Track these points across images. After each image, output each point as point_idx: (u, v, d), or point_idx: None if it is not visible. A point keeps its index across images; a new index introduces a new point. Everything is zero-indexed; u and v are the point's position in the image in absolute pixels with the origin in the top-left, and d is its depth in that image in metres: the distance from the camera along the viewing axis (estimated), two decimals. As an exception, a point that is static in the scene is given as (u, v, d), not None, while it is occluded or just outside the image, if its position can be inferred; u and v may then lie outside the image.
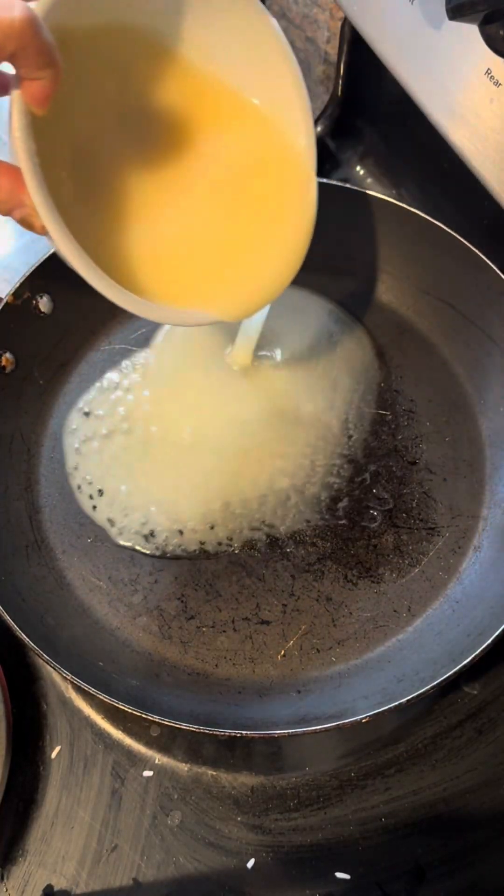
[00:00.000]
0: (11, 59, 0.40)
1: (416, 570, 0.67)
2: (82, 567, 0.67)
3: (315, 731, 0.55)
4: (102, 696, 0.55)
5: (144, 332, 0.76)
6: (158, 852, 0.62)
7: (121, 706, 0.55)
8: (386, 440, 0.72)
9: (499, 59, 0.58)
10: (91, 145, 0.53)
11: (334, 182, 0.74)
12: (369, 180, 0.87)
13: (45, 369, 0.73)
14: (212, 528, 0.68)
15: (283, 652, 0.64)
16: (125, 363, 0.75)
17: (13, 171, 0.44)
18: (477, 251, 0.70)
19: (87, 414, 0.72)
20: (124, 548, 0.67)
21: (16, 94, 0.42)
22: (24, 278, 0.68)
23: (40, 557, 0.67)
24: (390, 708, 0.55)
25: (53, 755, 0.65)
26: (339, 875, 0.62)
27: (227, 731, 0.56)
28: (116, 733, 0.66)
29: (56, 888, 0.61)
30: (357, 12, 0.70)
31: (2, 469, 0.68)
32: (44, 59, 0.41)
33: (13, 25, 0.38)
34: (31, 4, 0.41)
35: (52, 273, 0.69)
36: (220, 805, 0.64)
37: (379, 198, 0.73)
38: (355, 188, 0.73)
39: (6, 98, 0.43)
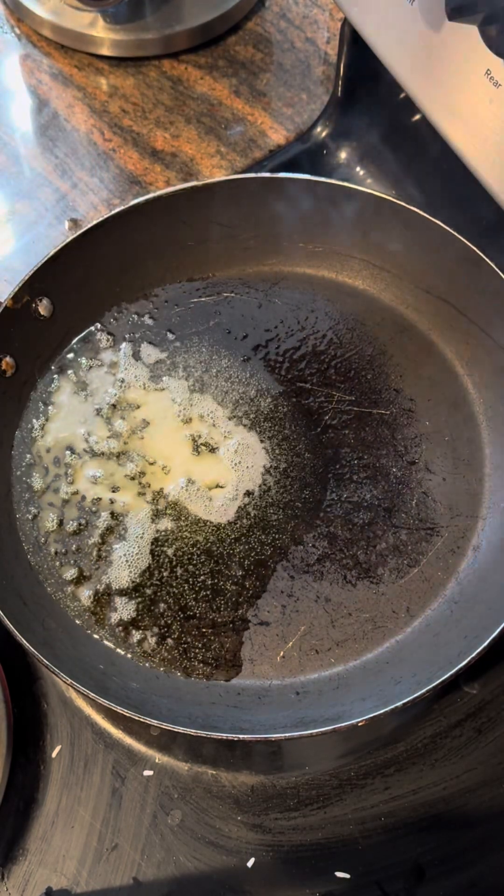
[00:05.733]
0: None
1: (415, 571, 0.67)
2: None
3: (312, 735, 0.55)
4: (101, 701, 0.56)
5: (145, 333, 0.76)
6: (159, 851, 0.62)
7: (120, 710, 0.55)
8: (385, 440, 0.72)
9: (498, 59, 0.58)
10: None
11: (334, 182, 0.73)
12: (369, 180, 0.87)
13: (46, 372, 0.73)
14: (214, 530, 0.68)
15: (282, 653, 0.64)
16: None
17: None
18: (476, 250, 0.70)
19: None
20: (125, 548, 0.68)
21: None
22: (23, 282, 0.68)
23: (42, 560, 0.67)
24: (386, 712, 0.55)
25: (54, 754, 0.65)
26: (339, 874, 0.63)
27: (226, 735, 0.56)
28: (117, 732, 0.66)
29: (56, 887, 0.61)
30: (357, 13, 0.70)
31: (3, 471, 0.69)
32: None
33: None
34: None
35: (51, 276, 0.69)
36: (221, 804, 0.64)
37: (378, 196, 0.73)
38: (355, 187, 0.73)
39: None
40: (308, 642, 0.65)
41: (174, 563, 0.67)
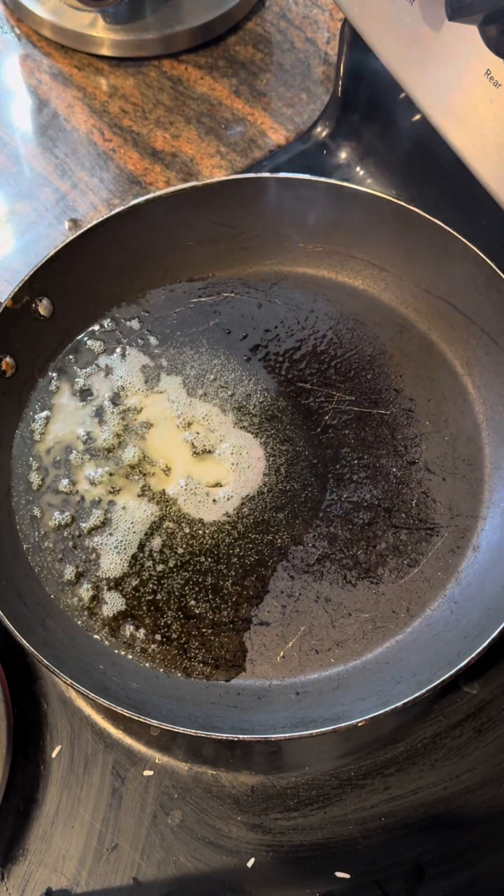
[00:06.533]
0: None
1: (415, 571, 0.67)
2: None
3: (312, 735, 0.55)
4: (101, 701, 0.56)
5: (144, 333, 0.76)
6: (158, 851, 0.62)
7: (120, 710, 0.55)
8: (385, 440, 0.72)
9: (498, 59, 0.58)
10: None
11: (334, 181, 0.73)
12: (369, 180, 0.87)
13: (46, 372, 0.73)
14: (215, 530, 0.68)
15: (282, 653, 0.64)
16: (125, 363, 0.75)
17: None
18: (476, 249, 0.70)
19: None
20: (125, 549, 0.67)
21: None
22: (22, 282, 0.68)
23: (42, 560, 0.67)
24: (386, 712, 0.55)
25: (54, 754, 0.65)
26: (339, 874, 0.62)
27: (226, 735, 0.56)
28: (117, 733, 0.66)
29: (56, 887, 0.61)
30: (357, 13, 0.70)
31: (3, 471, 0.69)
32: None
33: None
34: None
35: (51, 276, 0.69)
36: (221, 804, 0.64)
37: (378, 196, 0.73)
38: (355, 187, 0.73)
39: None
40: (308, 642, 0.65)
41: (174, 563, 0.67)
